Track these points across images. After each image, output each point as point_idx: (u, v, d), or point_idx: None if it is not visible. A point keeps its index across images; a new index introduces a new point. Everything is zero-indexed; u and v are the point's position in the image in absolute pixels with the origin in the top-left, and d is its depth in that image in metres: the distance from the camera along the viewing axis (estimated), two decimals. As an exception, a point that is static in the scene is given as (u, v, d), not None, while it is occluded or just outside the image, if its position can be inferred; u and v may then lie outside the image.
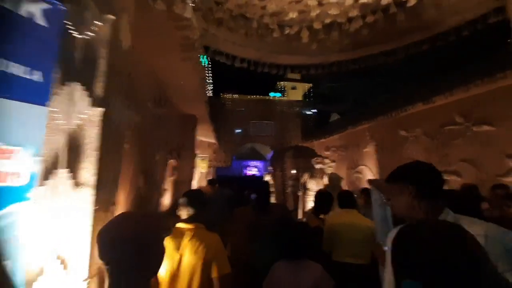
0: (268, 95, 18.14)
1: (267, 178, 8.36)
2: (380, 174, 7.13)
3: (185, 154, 5.98)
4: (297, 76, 27.21)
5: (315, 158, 5.12)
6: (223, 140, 12.44)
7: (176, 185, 5.51)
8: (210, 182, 6.28)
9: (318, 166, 5.07)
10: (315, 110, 12.66)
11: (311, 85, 24.71)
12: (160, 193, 4.42)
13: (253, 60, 3.96)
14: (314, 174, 5.03)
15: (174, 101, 5.02)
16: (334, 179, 3.89)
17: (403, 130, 6.54)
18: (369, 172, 7.65)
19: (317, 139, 10.50)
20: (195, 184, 11.39)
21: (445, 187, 1.28)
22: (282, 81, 26.69)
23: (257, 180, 3.97)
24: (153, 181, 3.97)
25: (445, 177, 5.57)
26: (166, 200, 4.89)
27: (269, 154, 22.10)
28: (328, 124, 11.52)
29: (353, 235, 2.22)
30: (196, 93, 4.27)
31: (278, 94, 11.91)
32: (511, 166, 4.25)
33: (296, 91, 25.55)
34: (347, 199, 2.41)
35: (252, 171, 20.84)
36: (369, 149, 7.75)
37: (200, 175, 12.40)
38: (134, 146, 3.07)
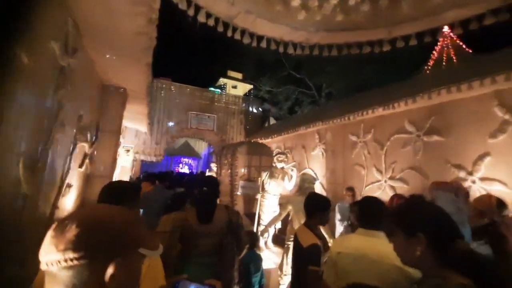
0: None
1: (210, 173, 7.29)
2: (327, 177, 7.01)
3: (106, 138, 4.43)
4: (239, 75, 26.74)
5: (278, 155, 4.44)
6: (156, 129, 10.66)
7: (89, 181, 3.97)
8: (147, 177, 4.88)
9: (280, 165, 4.40)
10: (260, 109, 12.20)
11: (252, 86, 24.50)
12: (59, 191, 2.91)
13: (223, 19, 2.97)
14: (275, 173, 4.33)
15: (96, 59, 3.52)
16: (306, 180, 3.24)
17: (353, 135, 6.53)
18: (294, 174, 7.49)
19: (262, 138, 9.99)
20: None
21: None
22: (224, 78, 25.79)
23: (206, 177, 3.08)
24: (48, 173, 2.51)
25: (392, 183, 5.74)
26: (70, 201, 3.34)
27: (204, 151, 20.76)
28: (272, 124, 11.20)
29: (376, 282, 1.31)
30: (135, 48, 2.99)
31: (217, 91, 10.98)
32: (456, 175, 4.45)
33: (236, 91, 24.98)
34: (375, 214, 1.50)
35: (184, 169, 19.06)
36: (317, 152, 7.60)
37: (121, 169, 10.25)
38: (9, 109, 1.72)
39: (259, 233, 4.21)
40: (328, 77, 17.96)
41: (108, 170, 4.52)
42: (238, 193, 5.07)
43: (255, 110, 11.46)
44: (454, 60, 12.24)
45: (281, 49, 3.53)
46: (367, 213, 1.51)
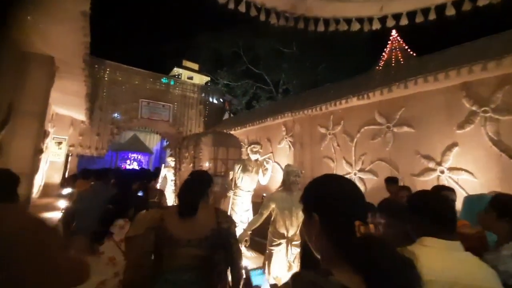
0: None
1: (165, 172, 6.34)
2: (295, 171, 6.72)
3: (23, 122, 3.31)
4: (195, 66, 25.22)
5: (252, 145, 3.86)
6: (99, 119, 9.07)
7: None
8: (83, 174, 3.83)
9: (254, 157, 3.83)
10: (221, 100, 11.40)
11: (209, 78, 23.39)
12: None
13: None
14: (248, 167, 3.74)
15: (7, 12, 2.46)
16: (292, 173, 2.75)
17: (322, 127, 6.34)
18: (279, 170, 7.14)
19: (223, 131, 9.29)
20: (40, 179, 7.59)
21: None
22: (179, 67, 23.98)
23: (194, 172, 2.34)
24: None
25: (361, 175, 5.67)
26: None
27: (156, 146, 19.00)
28: (234, 116, 10.56)
29: None
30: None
31: (172, 82, 9.95)
32: (426, 166, 4.49)
33: (192, 82, 23.50)
34: (451, 215, 1.06)
35: (132, 165, 17.12)
36: (284, 145, 7.26)
37: (50, 165, 8.48)
38: None
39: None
40: (285, 74, 18.15)
41: (26, 165, 3.37)
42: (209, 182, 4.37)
43: (215, 101, 10.65)
44: (401, 61, 13.21)
45: (262, 17, 2.95)
46: (442, 215, 1.04)
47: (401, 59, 13.88)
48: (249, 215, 3.83)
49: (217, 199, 4.55)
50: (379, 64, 14.74)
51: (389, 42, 15.26)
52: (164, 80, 10.31)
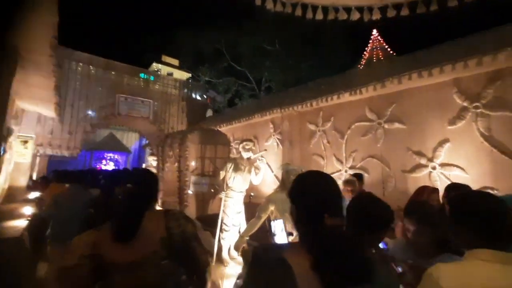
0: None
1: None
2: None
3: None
4: (175, 61, 24.36)
5: (244, 142, 3.57)
6: (70, 115, 8.34)
7: None
8: (57, 176, 3.36)
9: (246, 155, 3.55)
10: (204, 96, 10.95)
11: (190, 75, 22.71)
12: None
13: None
14: (240, 166, 3.46)
15: None
16: (292, 171, 2.52)
17: (312, 123, 6.20)
18: (267, 168, 6.94)
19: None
20: (2, 182, 6.80)
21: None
22: (158, 63, 23.00)
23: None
24: None
25: (352, 173, 5.59)
26: None
27: (135, 145, 18.10)
28: (219, 114, 10.20)
29: None
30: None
31: (152, 78, 9.36)
32: (417, 162, 4.47)
33: (172, 78, 22.61)
34: (503, 222, 0.87)
35: (108, 166, 16.18)
36: (271, 143, 7.06)
37: (14, 167, 7.67)
38: None
39: (222, 242, 3.34)
40: (268, 72, 18.02)
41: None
42: (190, 191, 4.04)
43: (198, 97, 10.21)
44: (382, 60, 13.48)
45: (258, 1, 2.68)
46: (493, 222, 0.85)
47: (382, 58, 14.20)
48: (242, 218, 3.57)
49: (205, 200, 4.24)
50: (361, 62, 14.99)
51: (370, 41, 15.58)
52: (142, 75, 9.71)
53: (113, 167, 15.87)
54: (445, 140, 4.21)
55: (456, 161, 4.09)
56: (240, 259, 3.52)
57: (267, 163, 6.94)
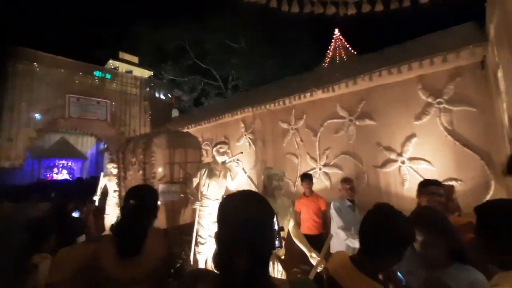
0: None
1: (105, 181, 5.25)
2: (257, 169, 6.36)
3: None
4: (134, 58, 22.81)
5: (219, 145, 3.27)
6: (9, 120, 7.19)
7: None
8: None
9: (221, 159, 3.25)
10: (169, 95, 10.27)
11: (151, 73, 21.43)
12: None
13: None
14: (215, 171, 3.16)
15: None
16: (274, 176, 2.32)
17: (284, 122, 6.09)
18: (240, 169, 6.70)
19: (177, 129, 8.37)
20: None
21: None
22: (115, 60, 21.28)
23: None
24: None
25: (326, 170, 5.60)
26: None
27: (91, 150, 16.50)
28: (185, 114, 9.66)
29: None
30: None
31: (108, 76, 8.45)
32: (388, 157, 4.58)
33: (131, 77, 21.04)
34: None
35: (60, 175, 14.52)
36: (243, 143, 6.83)
37: None
38: None
39: (198, 256, 3.03)
40: (234, 70, 17.76)
41: None
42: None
43: (162, 97, 9.54)
44: (345, 59, 14.02)
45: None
46: None
47: (344, 57, 14.76)
48: (218, 227, 3.29)
49: (176, 210, 3.87)
50: (325, 61, 15.44)
51: (333, 40, 16.12)
52: (97, 73, 8.78)
53: (67, 176, 14.31)
54: (413, 135, 4.36)
55: (423, 154, 4.26)
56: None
57: (241, 163, 6.70)
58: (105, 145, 9.51)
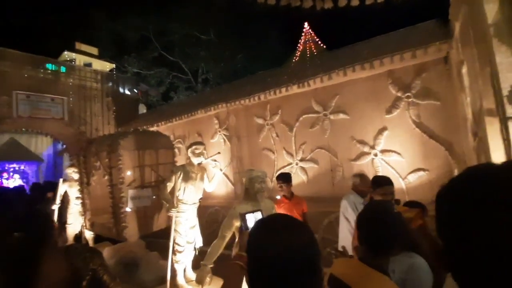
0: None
1: (65, 188, 4.73)
2: (233, 166, 6.21)
3: None
4: (93, 50, 20.98)
5: (194, 146, 3.03)
6: None
7: None
8: None
9: (197, 160, 3.04)
10: (135, 90, 9.55)
11: (113, 66, 19.90)
12: None
13: None
14: (191, 173, 2.94)
15: None
16: (256, 178, 2.21)
17: (259, 117, 5.98)
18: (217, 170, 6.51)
19: (145, 127, 7.84)
20: None
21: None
22: (71, 51, 19.33)
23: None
24: None
25: (303, 165, 5.62)
26: None
27: (48, 151, 14.98)
28: (153, 110, 9.10)
29: None
30: None
31: (63, 69, 7.50)
32: (361, 150, 4.71)
33: (91, 70, 19.29)
34: None
35: (11, 180, 13.00)
36: (218, 139, 6.61)
37: None
38: None
39: (176, 265, 2.84)
40: (203, 62, 17.18)
41: None
42: (128, 208, 3.34)
43: (127, 92, 8.84)
44: (315, 53, 14.23)
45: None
46: None
47: (314, 51, 14.98)
48: (197, 232, 3.11)
49: (148, 216, 3.60)
50: (296, 55, 15.54)
51: (303, 34, 16.25)
52: (50, 66, 7.86)
53: (20, 182, 12.89)
54: (384, 128, 4.52)
55: (393, 147, 4.44)
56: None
57: (215, 160, 6.49)
58: (64, 145, 8.65)
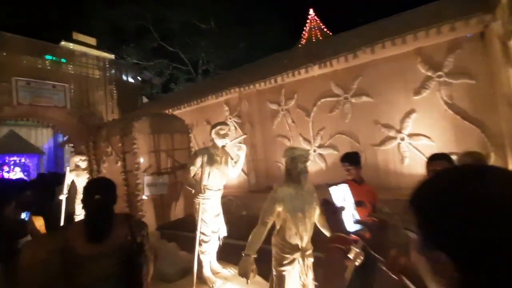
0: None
1: (72, 177, 4.46)
2: (246, 154, 5.93)
3: None
4: (91, 40, 20.36)
5: (219, 126, 2.76)
6: None
7: None
8: None
9: (222, 142, 2.76)
10: (139, 78, 9.17)
11: (113, 56, 19.38)
12: None
13: None
14: (216, 156, 2.67)
15: None
16: (298, 158, 1.94)
17: (273, 103, 5.68)
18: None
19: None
20: None
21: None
22: (68, 41, 18.75)
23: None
24: None
25: (321, 152, 5.35)
26: None
27: (48, 144, 14.65)
28: (161, 97, 8.74)
29: None
30: None
31: (63, 60, 7.16)
32: (386, 135, 4.44)
33: (89, 61, 18.75)
34: None
35: (13, 173, 12.72)
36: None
37: None
38: None
39: (202, 257, 2.59)
40: (204, 53, 16.69)
41: None
42: (144, 196, 3.08)
43: (130, 80, 8.47)
44: (320, 39, 13.80)
45: None
46: None
47: (320, 38, 14.54)
48: (221, 221, 2.86)
49: (165, 205, 3.35)
50: (301, 42, 15.10)
51: (308, 21, 15.77)
52: (50, 57, 7.47)
53: (21, 174, 12.62)
54: (412, 111, 4.24)
55: (422, 130, 4.17)
56: (225, 272, 2.85)
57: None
58: (65, 136, 8.32)
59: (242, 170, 6.07)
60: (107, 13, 15.82)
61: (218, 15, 15.70)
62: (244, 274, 1.69)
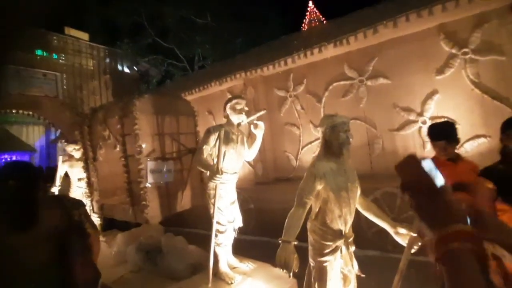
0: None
1: (65, 168, 4.06)
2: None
3: None
4: (84, 35, 19.76)
5: (236, 100, 2.42)
6: None
7: None
8: None
9: (238, 119, 2.42)
10: (135, 68, 8.73)
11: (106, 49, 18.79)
12: None
13: None
14: (232, 136, 2.33)
15: None
16: (339, 126, 1.62)
17: (280, 89, 5.35)
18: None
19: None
20: None
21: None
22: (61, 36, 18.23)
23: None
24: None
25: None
26: None
27: (40, 141, 14.10)
28: (159, 86, 8.35)
29: None
30: None
31: (55, 56, 6.73)
32: (406, 118, 4.14)
33: (82, 57, 18.07)
34: None
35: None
36: (233, 116, 5.95)
37: None
38: None
39: (218, 249, 2.25)
40: (200, 48, 16.23)
41: None
42: (148, 184, 2.72)
43: (127, 70, 8.03)
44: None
45: None
46: None
47: (320, 30, 14.24)
48: (236, 210, 2.52)
49: (171, 195, 2.99)
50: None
51: (307, 14, 15.47)
52: (40, 52, 7.02)
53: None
54: (434, 92, 3.94)
55: (446, 112, 3.87)
56: (243, 267, 2.50)
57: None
58: (57, 131, 7.87)
59: (248, 163, 5.75)
60: (100, 9, 15.29)
61: (215, 10, 15.28)
62: (285, 265, 1.36)
